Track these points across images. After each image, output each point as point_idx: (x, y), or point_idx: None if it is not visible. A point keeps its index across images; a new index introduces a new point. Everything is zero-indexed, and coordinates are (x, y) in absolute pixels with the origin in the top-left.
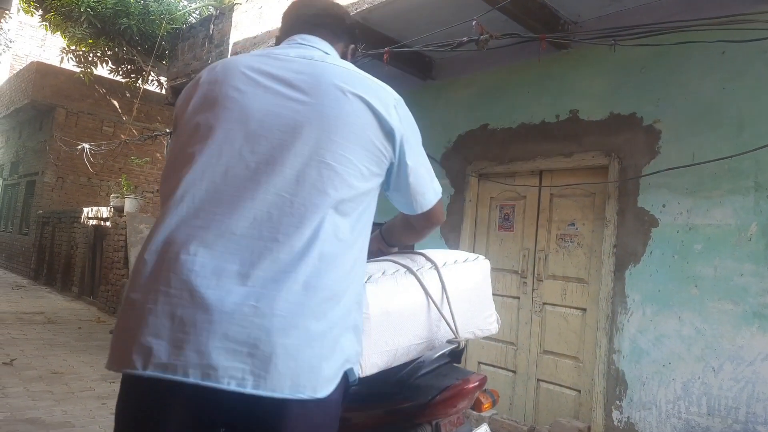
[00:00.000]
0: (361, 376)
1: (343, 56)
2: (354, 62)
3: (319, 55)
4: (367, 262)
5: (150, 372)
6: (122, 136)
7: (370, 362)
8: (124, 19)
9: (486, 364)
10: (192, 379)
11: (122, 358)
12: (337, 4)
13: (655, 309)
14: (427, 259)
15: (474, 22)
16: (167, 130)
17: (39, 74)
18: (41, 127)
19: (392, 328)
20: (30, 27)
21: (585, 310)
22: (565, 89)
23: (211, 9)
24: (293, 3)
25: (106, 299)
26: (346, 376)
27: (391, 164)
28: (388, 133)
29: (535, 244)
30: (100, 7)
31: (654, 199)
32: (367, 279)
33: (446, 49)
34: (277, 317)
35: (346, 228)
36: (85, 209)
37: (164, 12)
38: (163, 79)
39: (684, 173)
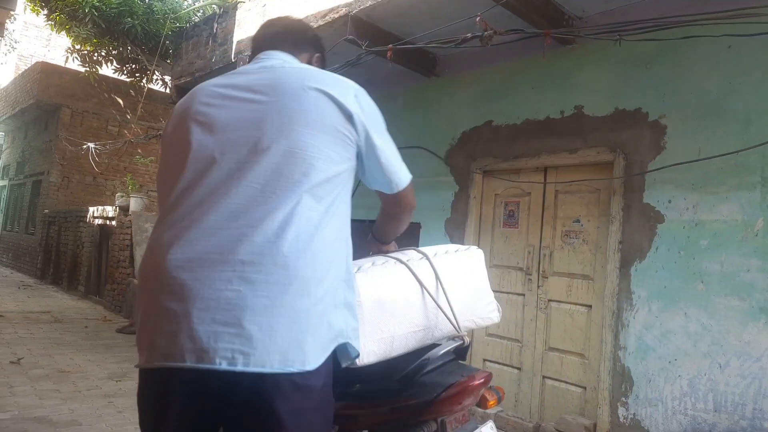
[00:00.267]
0: (360, 364)
1: (309, 64)
2: (355, 61)
3: (279, 63)
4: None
5: (156, 363)
6: (127, 135)
7: (367, 350)
8: (129, 19)
9: (491, 362)
10: (189, 364)
11: (143, 356)
12: (299, 20)
13: (661, 305)
14: (418, 251)
15: (478, 19)
16: None
17: (44, 74)
18: (46, 127)
19: (386, 315)
20: (35, 27)
21: (590, 306)
22: (569, 85)
23: (215, 7)
24: (259, 26)
25: (112, 298)
26: (345, 351)
27: (359, 147)
28: (349, 117)
29: (540, 240)
30: (104, 6)
31: (660, 194)
32: (357, 269)
33: (450, 45)
34: (260, 297)
35: (321, 210)
36: (91, 208)
37: (168, 11)
38: (167, 78)
39: (690, 169)
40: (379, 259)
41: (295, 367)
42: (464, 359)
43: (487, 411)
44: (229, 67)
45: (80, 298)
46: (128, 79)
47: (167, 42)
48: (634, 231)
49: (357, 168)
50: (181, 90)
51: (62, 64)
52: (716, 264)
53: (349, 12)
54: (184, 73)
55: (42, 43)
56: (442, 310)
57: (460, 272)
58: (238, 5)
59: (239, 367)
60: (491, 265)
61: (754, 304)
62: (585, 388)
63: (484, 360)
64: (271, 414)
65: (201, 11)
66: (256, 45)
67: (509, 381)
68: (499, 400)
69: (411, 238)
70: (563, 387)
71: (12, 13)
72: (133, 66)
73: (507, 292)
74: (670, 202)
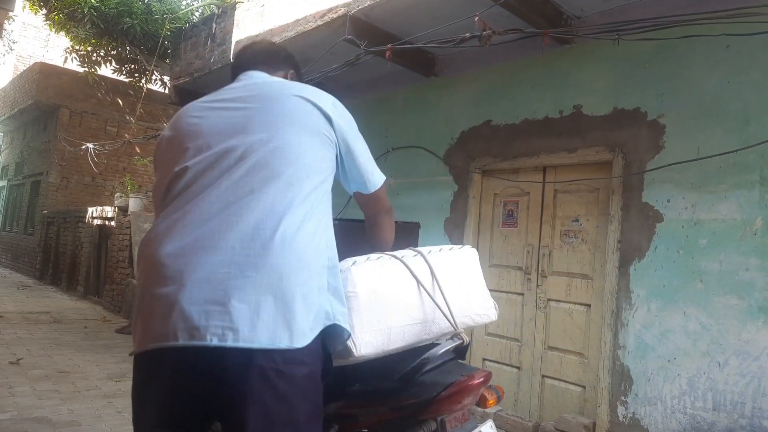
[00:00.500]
0: (357, 354)
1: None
2: (354, 61)
3: (261, 79)
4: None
5: (150, 345)
6: (126, 135)
7: (364, 340)
8: (127, 19)
9: (490, 361)
10: (181, 342)
11: (136, 343)
12: (272, 43)
13: (660, 304)
14: (413, 250)
15: (477, 18)
16: None
17: (43, 75)
18: (45, 128)
19: (382, 307)
20: (33, 27)
21: (589, 306)
22: (568, 84)
23: (213, 8)
24: (237, 52)
25: (111, 298)
26: (336, 334)
27: (338, 149)
28: (329, 120)
29: (539, 240)
30: (103, 6)
31: (659, 194)
32: (353, 263)
33: (449, 45)
34: (248, 278)
35: (307, 202)
36: (90, 209)
37: (167, 11)
38: (166, 79)
39: (689, 168)
40: (374, 255)
41: (282, 344)
42: (464, 358)
43: (487, 410)
44: (228, 67)
45: (79, 298)
46: (127, 80)
47: (166, 42)
48: (633, 230)
49: (337, 170)
50: (179, 90)
51: (61, 65)
52: (715, 263)
53: (348, 12)
54: (183, 73)
55: (40, 43)
56: (436, 304)
57: (455, 269)
58: (237, 5)
59: (229, 343)
60: (491, 264)
61: (753, 303)
62: (584, 387)
63: (484, 359)
64: (258, 392)
65: (199, 11)
66: (234, 69)
67: (509, 380)
68: (499, 400)
69: (410, 238)
70: (563, 386)
71: (10, 13)
72: (132, 66)
73: (506, 292)
74: (669, 201)
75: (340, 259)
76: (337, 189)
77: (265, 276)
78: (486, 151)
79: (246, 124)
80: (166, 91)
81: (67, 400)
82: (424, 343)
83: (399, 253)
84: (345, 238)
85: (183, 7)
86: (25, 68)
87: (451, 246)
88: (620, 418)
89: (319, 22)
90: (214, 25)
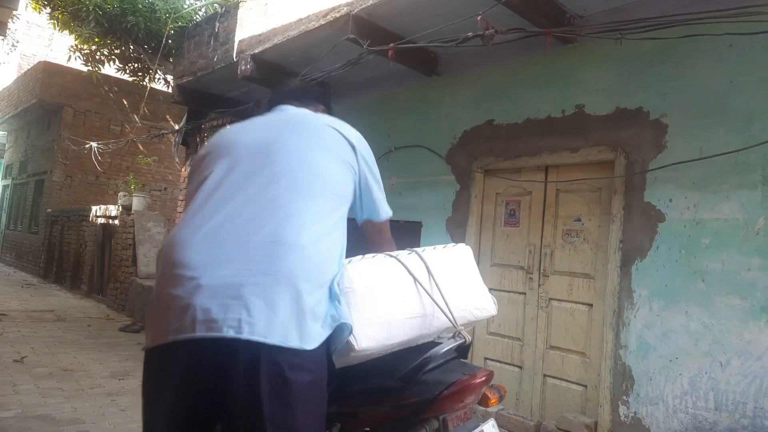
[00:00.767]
0: (358, 348)
1: None
2: (357, 60)
3: (293, 111)
4: None
5: (170, 338)
6: (130, 134)
7: (365, 334)
8: (131, 17)
9: (492, 360)
10: (198, 334)
11: (149, 337)
12: (305, 81)
13: (661, 304)
14: (407, 250)
15: (479, 18)
16: (175, 128)
17: (46, 73)
18: (49, 127)
19: (380, 301)
20: (37, 26)
21: (591, 305)
22: (571, 84)
23: (217, 7)
24: (272, 89)
25: (115, 297)
26: (340, 332)
27: (358, 177)
28: (353, 148)
29: (541, 239)
30: (107, 5)
31: (661, 193)
32: (348, 262)
33: (451, 44)
34: (267, 277)
35: (323, 215)
36: (94, 208)
37: (170, 10)
38: (169, 78)
39: (691, 167)
40: (369, 255)
41: (293, 344)
42: (466, 357)
43: (489, 409)
44: (230, 66)
45: (83, 296)
46: (131, 79)
47: (169, 41)
48: (635, 230)
49: (353, 198)
50: (183, 89)
51: (65, 64)
52: (717, 263)
53: (351, 11)
54: (186, 72)
55: (44, 42)
56: (432, 298)
57: (450, 265)
58: (240, 4)
59: (245, 335)
60: (492, 263)
61: (755, 303)
62: (586, 386)
63: (485, 358)
64: (263, 393)
65: (203, 10)
66: (270, 103)
67: (510, 379)
68: (501, 399)
69: (412, 237)
70: (564, 385)
71: (14, 12)
72: (136, 65)
73: (508, 291)
74: (671, 201)
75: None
76: None
77: (283, 279)
78: (488, 150)
79: (277, 140)
80: (170, 90)
81: (70, 398)
82: (426, 340)
83: (393, 252)
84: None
85: (186, 6)
86: (29, 67)
87: (445, 245)
88: (622, 418)
89: (322, 21)
90: (217, 24)
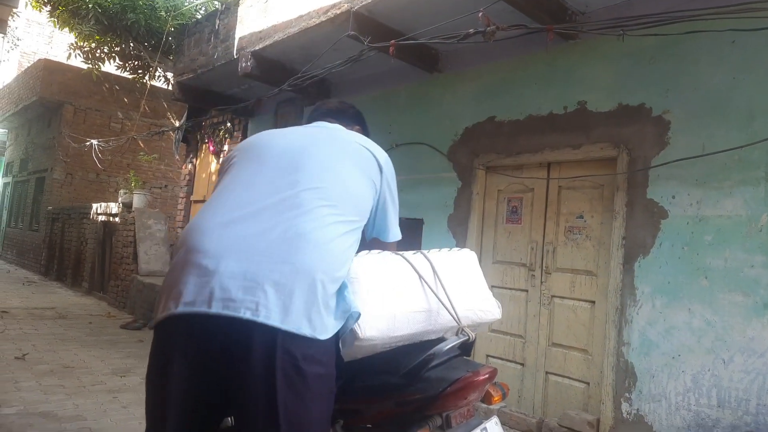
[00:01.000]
0: (362, 336)
1: None
2: (358, 57)
3: (326, 125)
4: None
5: (180, 310)
6: (130, 132)
7: (370, 323)
8: (131, 15)
9: (494, 357)
10: (214, 310)
11: (161, 309)
12: (342, 102)
13: (664, 301)
14: (412, 251)
15: (480, 14)
16: (176, 125)
17: (47, 71)
18: (50, 124)
19: (385, 292)
20: (37, 24)
21: (594, 302)
22: (573, 80)
23: (217, 4)
24: (312, 109)
25: (116, 294)
26: (347, 323)
27: (378, 196)
28: (380, 168)
29: (543, 236)
30: (107, 3)
31: (663, 190)
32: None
33: (452, 41)
34: (287, 266)
35: (342, 219)
36: (94, 205)
37: (170, 7)
38: (169, 75)
39: (694, 164)
40: (374, 251)
41: (307, 332)
42: (469, 355)
43: (491, 407)
44: (231, 63)
45: (84, 294)
46: (131, 76)
47: (169, 38)
48: (637, 227)
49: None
50: (183, 87)
51: (65, 61)
52: (720, 260)
53: (351, 8)
54: (186, 69)
55: (44, 40)
56: (435, 295)
57: (454, 267)
58: (240, 1)
59: (261, 319)
60: (494, 261)
61: (759, 300)
62: (588, 383)
63: (487, 356)
64: (275, 381)
65: (203, 8)
66: (310, 117)
67: (512, 377)
68: (504, 396)
69: (414, 234)
70: (566, 383)
71: (14, 10)
72: (136, 63)
73: (510, 288)
74: (673, 197)
75: None
76: None
77: (301, 269)
78: (490, 147)
79: (307, 147)
80: (170, 87)
81: (72, 395)
82: (430, 338)
83: (399, 251)
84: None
85: (186, 4)
86: (29, 65)
87: (450, 248)
88: (624, 415)
89: (323, 18)
90: (217, 22)
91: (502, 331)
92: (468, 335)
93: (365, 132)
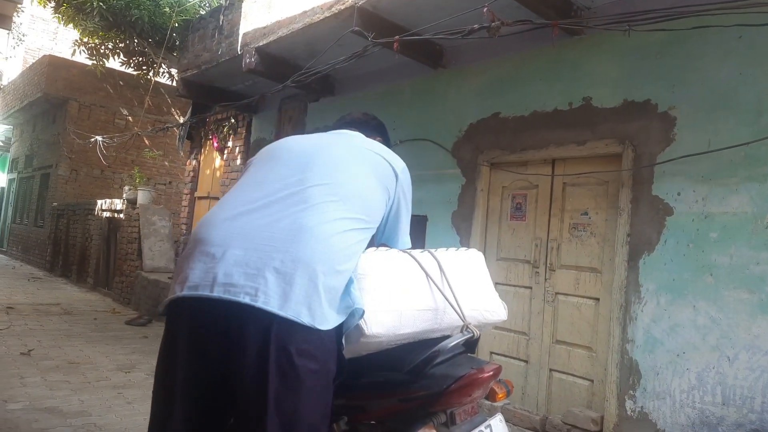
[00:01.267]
0: (368, 333)
1: None
2: (362, 53)
3: (347, 132)
4: None
5: (185, 293)
6: (135, 128)
7: (376, 319)
8: (135, 11)
9: (498, 354)
10: (216, 294)
11: (169, 293)
12: (366, 113)
13: (669, 298)
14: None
15: (485, 9)
16: (180, 121)
17: (51, 67)
18: (54, 120)
19: (393, 289)
20: (42, 20)
21: (598, 299)
22: (578, 76)
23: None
24: (337, 119)
25: (120, 290)
26: (352, 317)
27: (391, 203)
28: (395, 176)
29: (547, 233)
30: None
31: (669, 187)
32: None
33: (457, 36)
34: (290, 254)
35: (348, 217)
36: (99, 201)
37: (174, 3)
38: (174, 71)
39: (700, 160)
40: (382, 248)
41: (305, 320)
42: (474, 352)
43: (495, 404)
44: (235, 59)
45: (89, 290)
46: (135, 72)
47: (174, 35)
48: (642, 223)
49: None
50: (187, 83)
51: (69, 57)
52: (725, 257)
53: (355, 3)
54: (191, 65)
55: (49, 36)
56: (442, 293)
57: (461, 266)
58: None
59: (259, 304)
60: (498, 257)
61: (764, 297)
62: (592, 381)
63: (491, 352)
64: (269, 370)
65: (207, 3)
66: (335, 126)
67: (516, 374)
68: (508, 394)
69: (418, 231)
70: (570, 380)
71: (19, 6)
72: (140, 59)
73: (514, 285)
74: (679, 194)
75: None
76: None
77: (302, 260)
78: (494, 143)
79: (323, 149)
80: (174, 83)
81: (77, 390)
82: (435, 335)
83: (406, 250)
84: None
85: (190, 0)
86: (34, 61)
87: (457, 248)
88: (628, 412)
89: (327, 14)
90: (221, 17)
91: (506, 328)
92: (473, 332)
93: (386, 143)
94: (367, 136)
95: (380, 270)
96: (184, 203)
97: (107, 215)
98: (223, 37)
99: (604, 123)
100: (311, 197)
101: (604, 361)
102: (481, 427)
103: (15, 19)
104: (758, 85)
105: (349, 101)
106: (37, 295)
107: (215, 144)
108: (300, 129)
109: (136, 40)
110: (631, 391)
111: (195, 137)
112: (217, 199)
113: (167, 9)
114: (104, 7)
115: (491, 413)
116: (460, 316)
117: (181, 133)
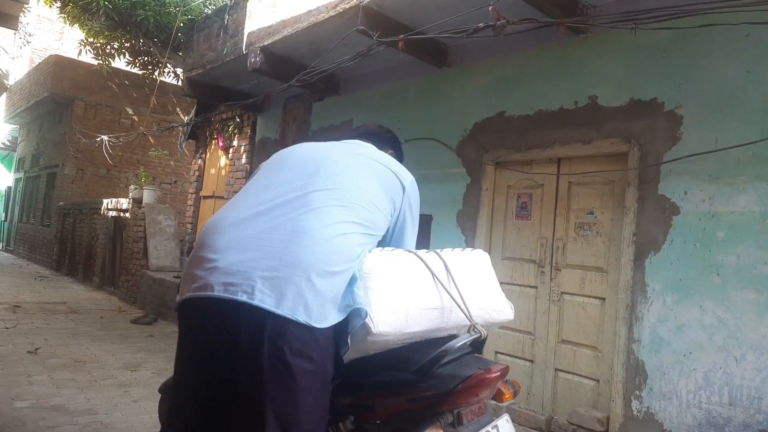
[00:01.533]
0: (375, 331)
1: None
2: (367, 52)
3: (359, 142)
4: None
5: (191, 294)
6: (140, 127)
7: (382, 318)
8: (141, 11)
9: (503, 354)
10: (216, 293)
11: (178, 297)
12: (381, 126)
13: (675, 298)
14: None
15: (490, 8)
16: (185, 120)
17: (58, 67)
18: (60, 120)
19: (398, 288)
20: (48, 20)
21: (604, 299)
22: (583, 75)
23: None
24: (353, 130)
25: (126, 289)
26: (356, 316)
27: (397, 214)
28: (402, 188)
29: (553, 232)
30: None
31: (675, 186)
32: (367, 251)
33: (462, 35)
34: (288, 256)
35: (351, 221)
36: (105, 200)
37: (180, 3)
38: (179, 71)
39: (706, 159)
40: (387, 248)
41: (301, 318)
42: (481, 352)
43: (501, 404)
44: (240, 59)
45: (95, 289)
46: (140, 72)
47: (179, 34)
48: (648, 223)
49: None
50: (192, 82)
51: (75, 57)
52: (733, 256)
53: (360, 2)
54: (196, 65)
55: (55, 36)
56: (448, 293)
57: (467, 266)
58: None
59: (255, 302)
60: (504, 257)
61: None
62: (598, 381)
63: (496, 352)
64: (265, 370)
65: (212, 3)
66: (349, 137)
67: (521, 373)
68: (515, 394)
69: (422, 230)
70: (576, 380)
71: (25, 6)
72: (146, 59)
73: (519, 285)
74: (685, 193)
75: None
76: None
77: (298, 261)
78: (499, 142)
79: (331, 157)
80: (179, 83)
81: (83, 389)
82: (442, 334)
83: (411, 250)
84: None
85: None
86: (40, 61)
87: (463, 249)
88: (634, 413)
89: (332, 13)
90: (226, 17)
91: (512, 328)
92: (480, 332)
93: (398, 157)
94: (380, 148)
95: (386, 269)
96: (190, 202)
97: (113, 214)
98: (228, 36)
99: (610, 122)
100: (314, 201)
101: (610, 361)
102: (488, 428)
103: (21, 19)
104: (766, 84)
105: (354, 100)
106: (43, 294)
107: (220, 143)
108: (305, 128)
109: (141, 40)
110: (638, 391)
111: (200, 137)
112: (222, 198)
113: (172, 9)
114: (110, 7)
115: (497, 413)
116: (467, 316)
117: (184, 132)
